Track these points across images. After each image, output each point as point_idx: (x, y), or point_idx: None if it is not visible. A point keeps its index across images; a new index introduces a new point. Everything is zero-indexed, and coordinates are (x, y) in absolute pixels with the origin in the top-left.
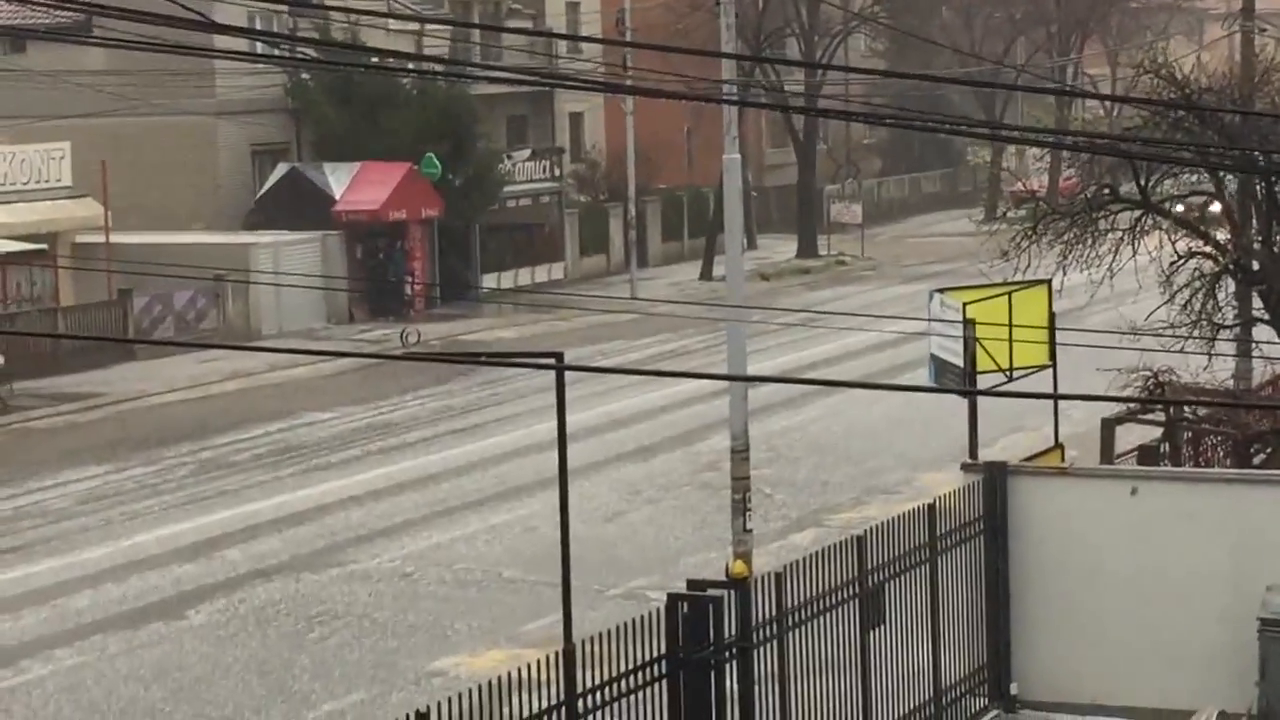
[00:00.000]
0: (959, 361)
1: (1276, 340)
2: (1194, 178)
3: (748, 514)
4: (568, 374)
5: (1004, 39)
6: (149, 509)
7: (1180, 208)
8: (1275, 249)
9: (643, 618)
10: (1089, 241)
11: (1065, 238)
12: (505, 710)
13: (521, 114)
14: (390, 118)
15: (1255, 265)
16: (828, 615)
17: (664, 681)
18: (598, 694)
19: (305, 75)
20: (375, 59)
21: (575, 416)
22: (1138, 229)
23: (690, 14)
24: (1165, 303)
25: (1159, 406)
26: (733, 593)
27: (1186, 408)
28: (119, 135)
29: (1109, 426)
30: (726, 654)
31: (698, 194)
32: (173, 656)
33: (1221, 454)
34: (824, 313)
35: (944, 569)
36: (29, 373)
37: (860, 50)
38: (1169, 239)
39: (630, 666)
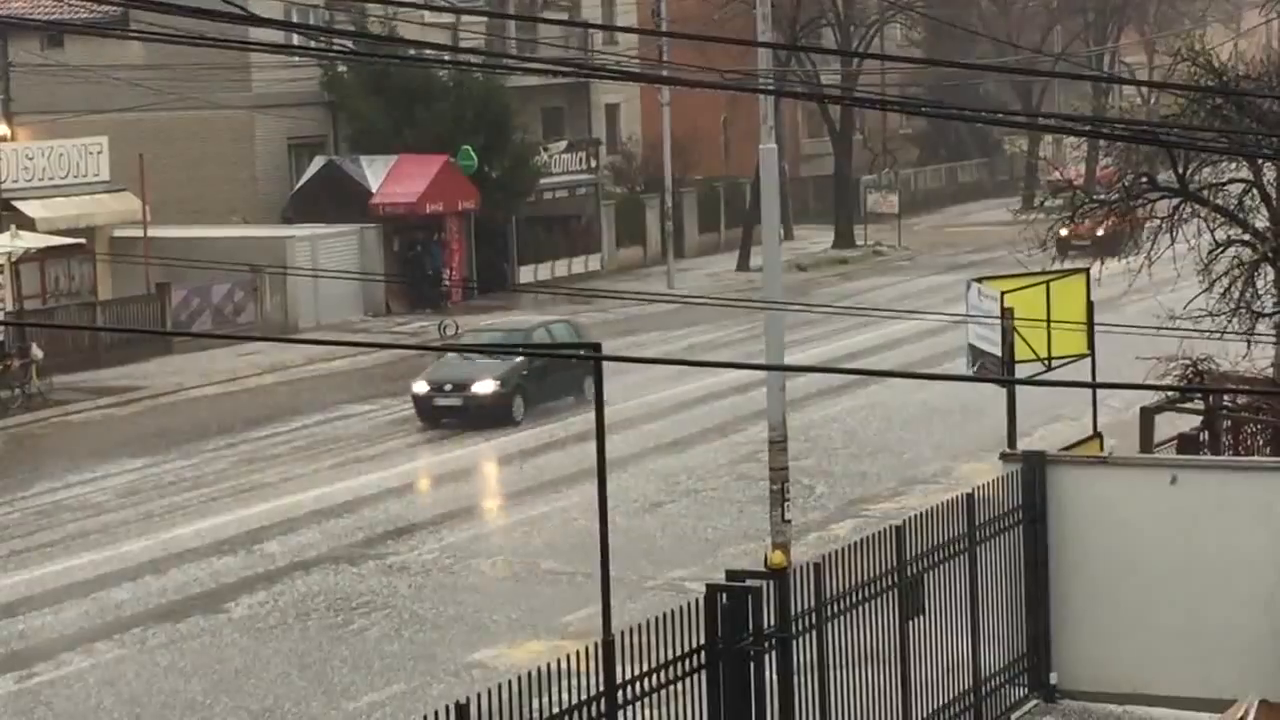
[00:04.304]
0: (997, 351)
1: None
2: (1232, 165)
3: (786, 504)
4: (605, 365)
5: (1041, 27)
6: (188, 502)
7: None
8: None
9: (682, 609)
10: (1127, 231)
11: (1103, 226)
12: (544, 701)
13: (558, 106)
14: (426, 110)
15: None
16: (867, 605)
17: (703, 672)
18: (637, 685)
19: (341, 68)
20: (411, 51)
21: (613, 408)
22: (1176, 217)
23: (726, 4)
24: (1204, 291)
25: (1198, 395)
26: (772, 583)
27: (1226, 396)
28: (156, 129)
29: (1148, 415)
30: (766, 644)
31: (734, 184)
32: (212, 649)
33: (1261, 442)
34: (860, 309)
35: (983, 559)
36: (68, 366)
37: (896, 39)
38: (1207, 227)
39: (669, 657)
